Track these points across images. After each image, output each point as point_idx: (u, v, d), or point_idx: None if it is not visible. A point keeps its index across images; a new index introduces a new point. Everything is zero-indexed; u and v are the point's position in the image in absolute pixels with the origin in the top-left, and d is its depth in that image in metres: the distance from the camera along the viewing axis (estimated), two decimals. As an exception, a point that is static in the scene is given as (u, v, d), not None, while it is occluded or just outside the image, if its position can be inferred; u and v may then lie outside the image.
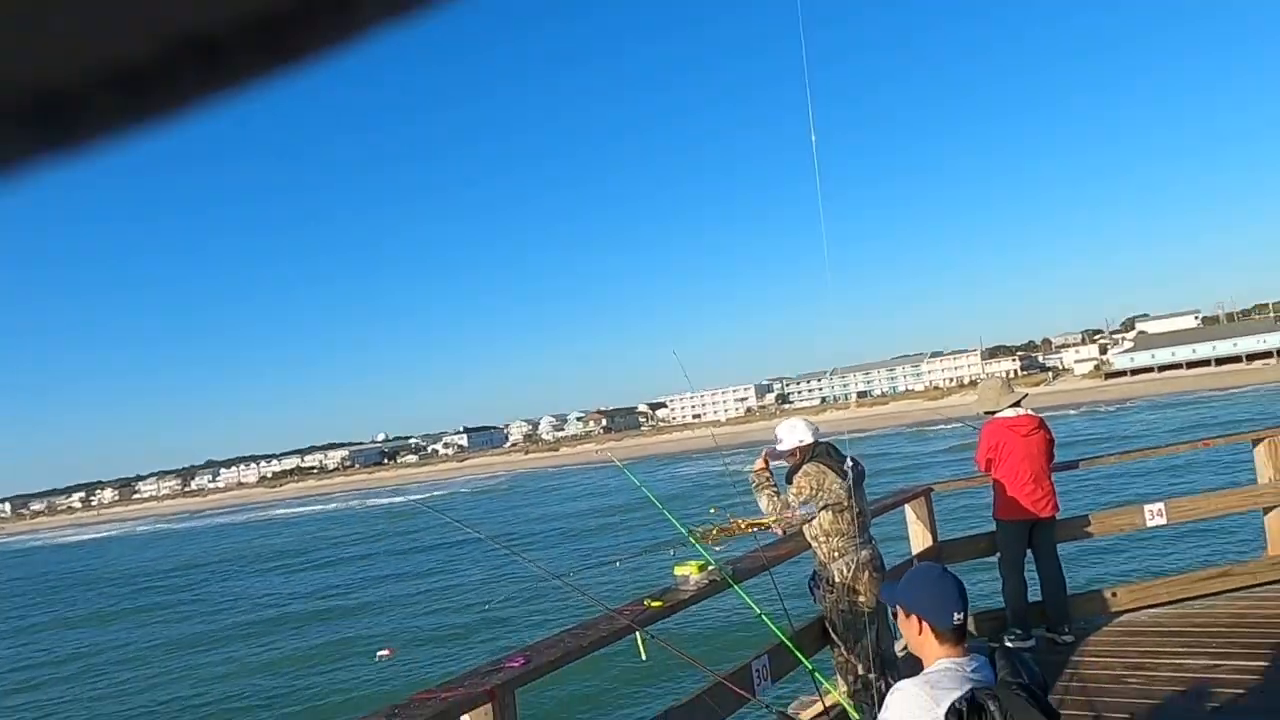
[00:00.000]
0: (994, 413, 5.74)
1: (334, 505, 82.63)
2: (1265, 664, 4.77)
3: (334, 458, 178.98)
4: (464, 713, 2.77)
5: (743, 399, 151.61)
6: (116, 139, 0.18)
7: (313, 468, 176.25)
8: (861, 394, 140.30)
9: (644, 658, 4.09)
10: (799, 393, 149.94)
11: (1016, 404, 5.75)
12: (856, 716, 4.29)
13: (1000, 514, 5.67)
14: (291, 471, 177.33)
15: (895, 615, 2.91)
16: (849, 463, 4.56)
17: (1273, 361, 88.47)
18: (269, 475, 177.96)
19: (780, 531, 4.62)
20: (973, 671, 2.62)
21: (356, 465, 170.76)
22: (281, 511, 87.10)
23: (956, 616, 2.64)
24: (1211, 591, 5.98)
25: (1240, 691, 4.50)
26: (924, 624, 2.68)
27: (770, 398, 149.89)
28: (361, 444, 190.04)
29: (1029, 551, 5.70)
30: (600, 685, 12.18)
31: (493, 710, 2.80)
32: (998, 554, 5.78)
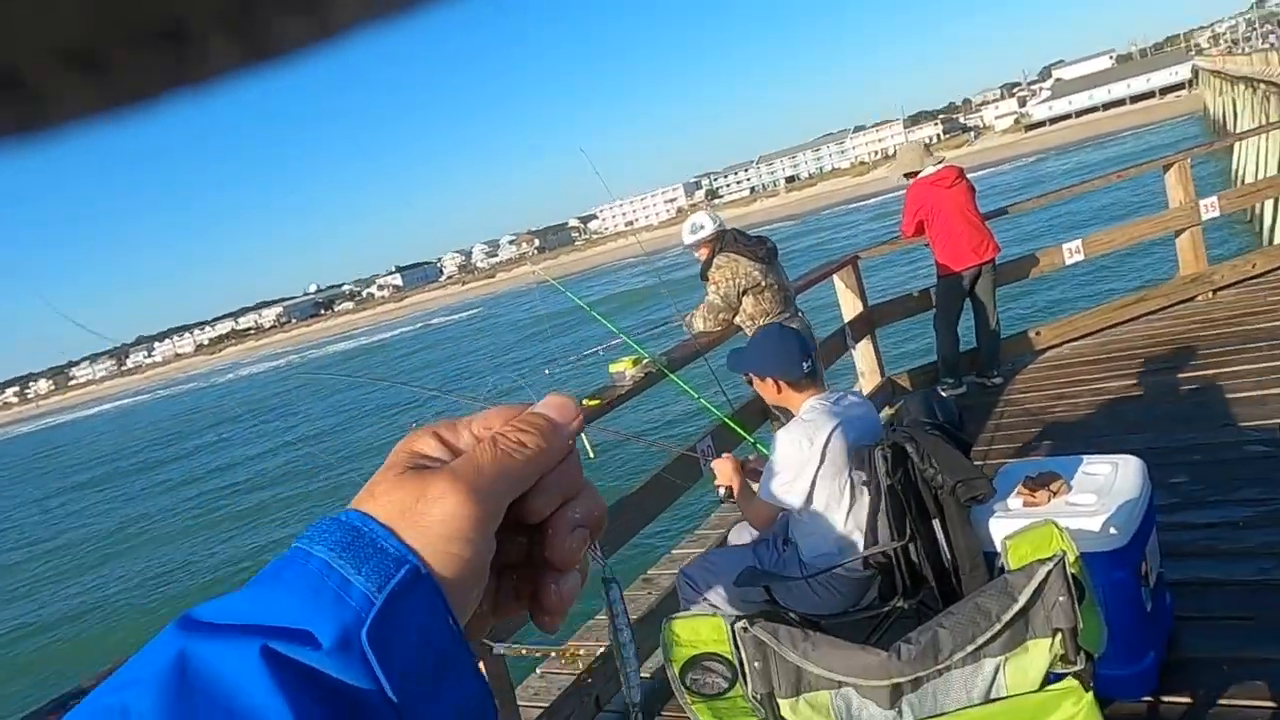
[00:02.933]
0: (915, 174, 5.71)
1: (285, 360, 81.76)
2: (1177, 376, 5.04)
3: (268, 315, 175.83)
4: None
5: (672, 199, 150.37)
6: (80, 124, 0.18)
7: (249, 329, 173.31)
8: (790, 179, 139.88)
9: (591, 456, 4.17)
10: (728, 185, 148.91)
11: (940, 163, 5.72)
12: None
13: (947, 268, 5.70)
14: (228, 335, 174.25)
15: (750, 383, 3.02)
16: (759, 242, 4.56)
17: (1184, 93, 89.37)
18: (205, 343, 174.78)
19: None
20: (836, 404, 2.81)
21: (293, 320, 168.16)
22: (246, 371, 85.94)
23: (805, 364, 2.83)
24: (1129, 318, 6.23)
25: (1154, 403, 4.78)
26: (778, 382, 2.86)
27: (700, 194, 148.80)
28: (294, 298, 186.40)
29: (967, 302, 5.82)
30: None
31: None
32: (933, 311, 5.90)
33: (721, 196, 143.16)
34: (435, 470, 0.42)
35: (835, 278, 5.89)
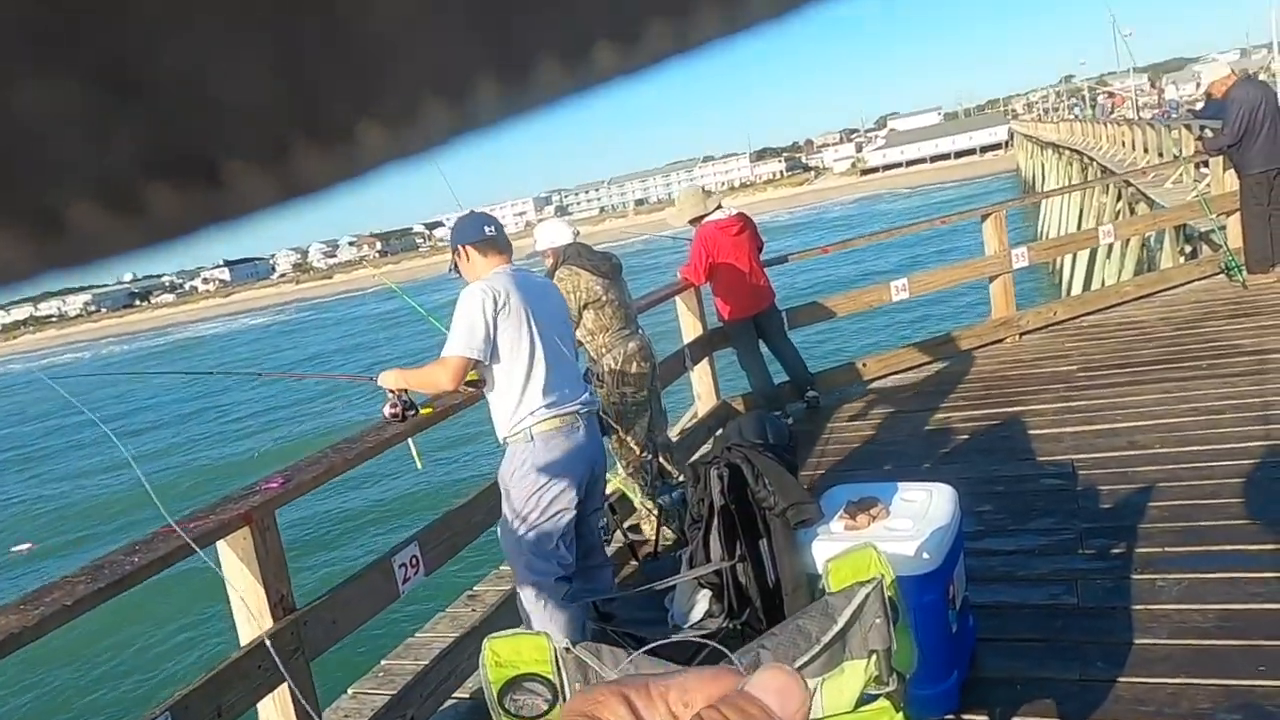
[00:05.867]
0: (701, 219, 5.75)
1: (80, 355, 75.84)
2: (986, 411, 5.40)
3: (74, 303, 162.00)
4: (218, 539, 2.59)
5: (522, 213, 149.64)
6: (112, 260, 0.19)
7: (50, 316, 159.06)
8: (639, 201, 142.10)
9: (420, 467, 4.01)
10: (578, 203, 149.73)
11: (719, 207, 5.78)
12: (633, 495, 4.49)
13: (729, 316, 5.82)
14: (25, 321, 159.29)
15: (455, 266, 3.22)
16: (604, 258, 4.57)
17: (1001, 152, 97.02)
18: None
19: None
20: (515, 271, 3.11)
21: (103, 310, 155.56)
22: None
23: (487, 229, 3.12)
24: (945, 355, 6.63)
25: (966, 436, 5.09)
26: (467, 249, 3.11)
27: (549, 210, 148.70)
28: (104, 285, 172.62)
29: (760, 341, 6.00)
30: (373, 499, 12.19)
31: (251, 534, 2.63)
32: (735, 352, 6.03)
33: (571, 213, 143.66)
34: None
35: (678, 299, 5.96)
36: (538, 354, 2.99)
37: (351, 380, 4.49)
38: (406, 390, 3.23)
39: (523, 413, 3.00)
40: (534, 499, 3.00)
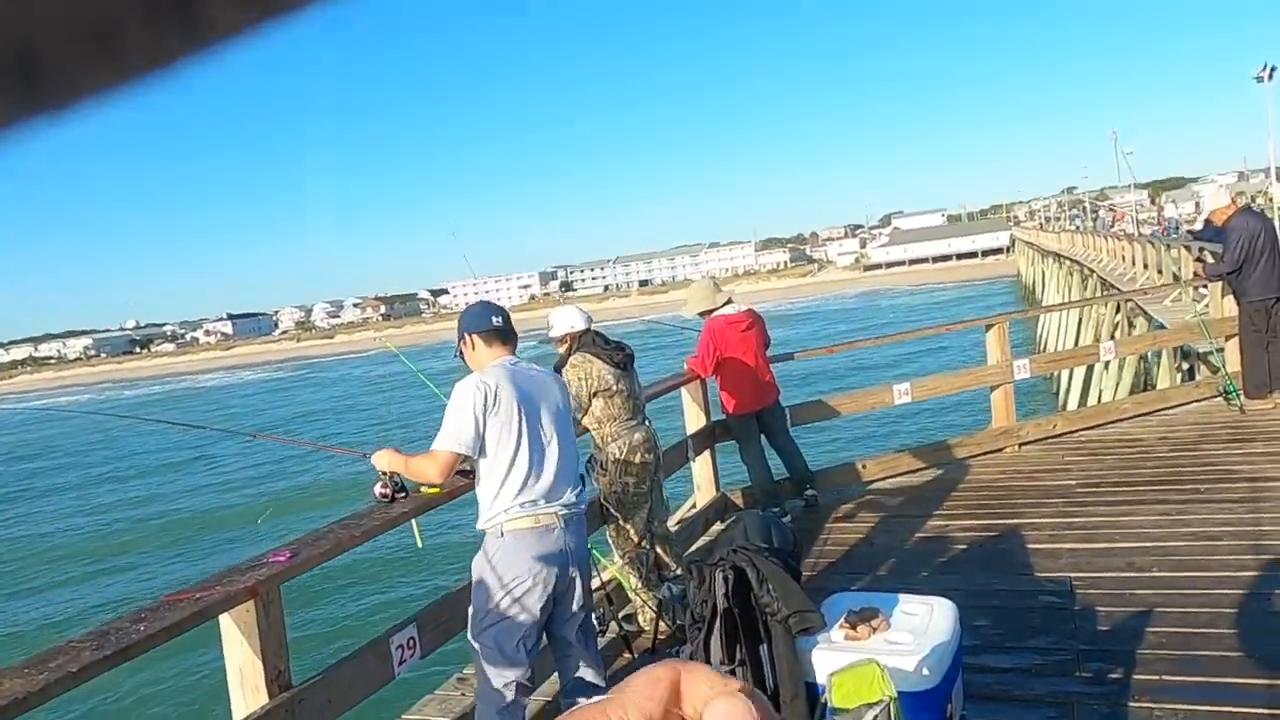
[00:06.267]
0: (710, 312, 5.84)
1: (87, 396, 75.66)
2: (985, 521, 5.41)
3: (75, 346, 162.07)
4: (223, 611, 2.59)
5: (526, 286, 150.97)
6: (91, 100, 0.18)
7: (49, 358, 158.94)
8: (643, 283, 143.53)
9: (420, 545, 4.02)
10: (583, 280, 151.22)
11: (729, 301, 5.88)
12: (628, 584, 4.48)
13: (733, 410, 5.88)
14: (23, 361, 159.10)
15: (460, 352, 3.26)
16: (618, 348, 4.64)
17: (1002, 257, 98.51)
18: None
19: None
20: (514, 364, 3.14)
21: (102, 355, 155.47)
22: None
23: (494, 320, 3.16)
24: (945, 460, 6.67)
25: (964, 546, 5.09)
26: (472, 338, 3.17)
27: (554, 285, 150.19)
28: (108, 331, 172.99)
29: (763, 436, 6.05)
30: (373, 576, 12.05)
31: (255, 608, 2.64)
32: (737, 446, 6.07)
33: (575, 290, 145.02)
34: None
35: (683, 390, 6.04)
36: (522, 451, 3.01)
37: (346, 454, 4.51)
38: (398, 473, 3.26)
39: (498, 507, 3.02)
40: (497, 596, 2.96)
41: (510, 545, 2.98)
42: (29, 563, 17.52)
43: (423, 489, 3.66)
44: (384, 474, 3.24)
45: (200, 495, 22.77)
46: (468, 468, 3.12)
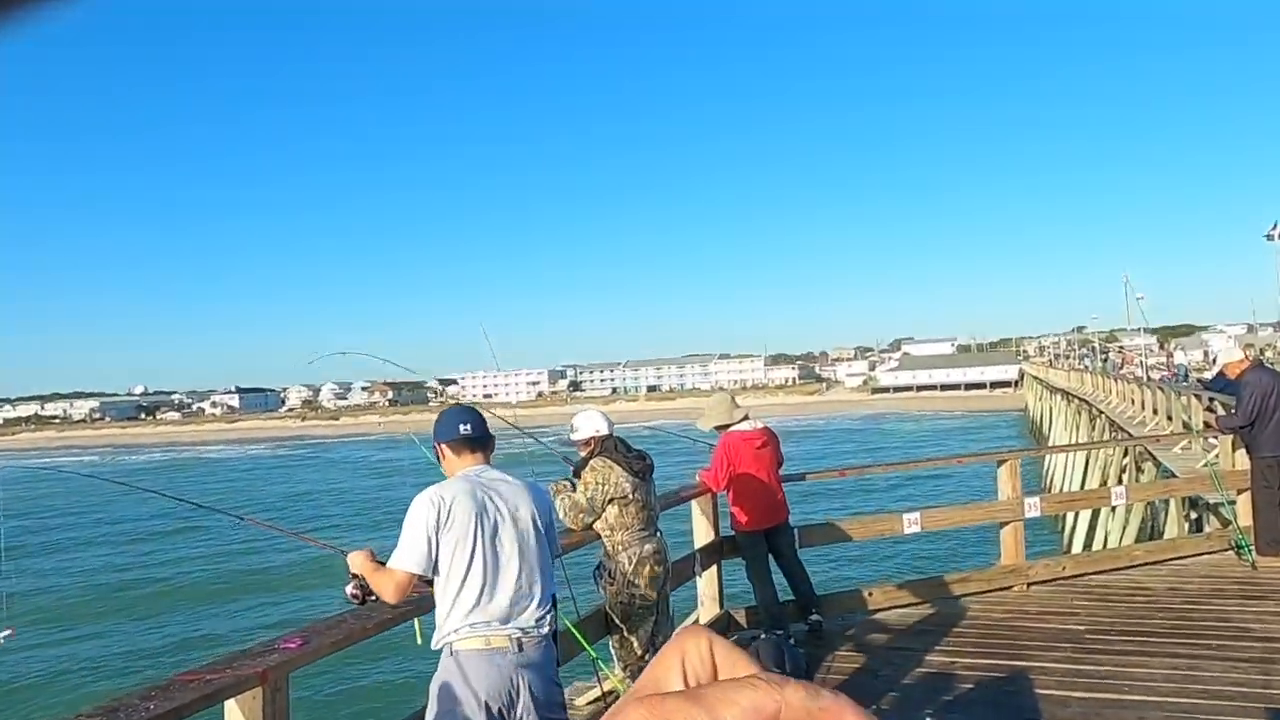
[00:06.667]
0: (726, 427, 5.88)
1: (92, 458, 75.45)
2: (991, 661, 5.32)
3: (81, 408, 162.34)
4: (231, 696, 2.58)
5: (535, 382, 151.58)
6: None
7: (54, 417, 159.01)
8: (652, 388, 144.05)
9: (420, 642, 3.99)
10: (591, 381, 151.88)
11: (745, 418, 5.93)
12: (632, 702, 4.37)
13: (742, 526, 5.86)
14: (28, 419, 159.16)
15: (441, 459, 3.18)
16: (639, 457, 4.67)
17: (1010, 390, 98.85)
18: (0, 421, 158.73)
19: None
20: (479, 474, 3.03)
21: (108, 418, 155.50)
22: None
23: (462, 428, 3.08)
24: (952, 595, 6.59)
25: (970, 686, 4.99)
26: (442, 446, 3.11)
27: (563, 384, 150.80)
28: (115, 395, 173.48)
29: (770, 556, 6.01)
30: (374, 668, 11.82)
31: (263, 695, 2.62)
32: (744, 563, 6.03)
33: (584, 390, 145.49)
34: None
35: (694, 503, 6.04)
36: (475, 569, 2.89)
37: (324, 547, 4.46)
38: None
39: (449, 626, 2.91)
40: (444, 717, 2.85)
41: (456, 666, 2.86)
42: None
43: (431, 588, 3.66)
44: (354, 575, 3.16)
45: (183, 565, 22.87)
46: (428, 577, 3.00)
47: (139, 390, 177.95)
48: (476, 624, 2.88)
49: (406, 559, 2.88)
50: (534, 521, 3.06)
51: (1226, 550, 7.44)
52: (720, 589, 6.11)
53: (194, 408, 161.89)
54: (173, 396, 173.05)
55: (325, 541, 4.49)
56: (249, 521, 4.94)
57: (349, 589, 3.19)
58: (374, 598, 3.20)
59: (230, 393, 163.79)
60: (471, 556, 2.89)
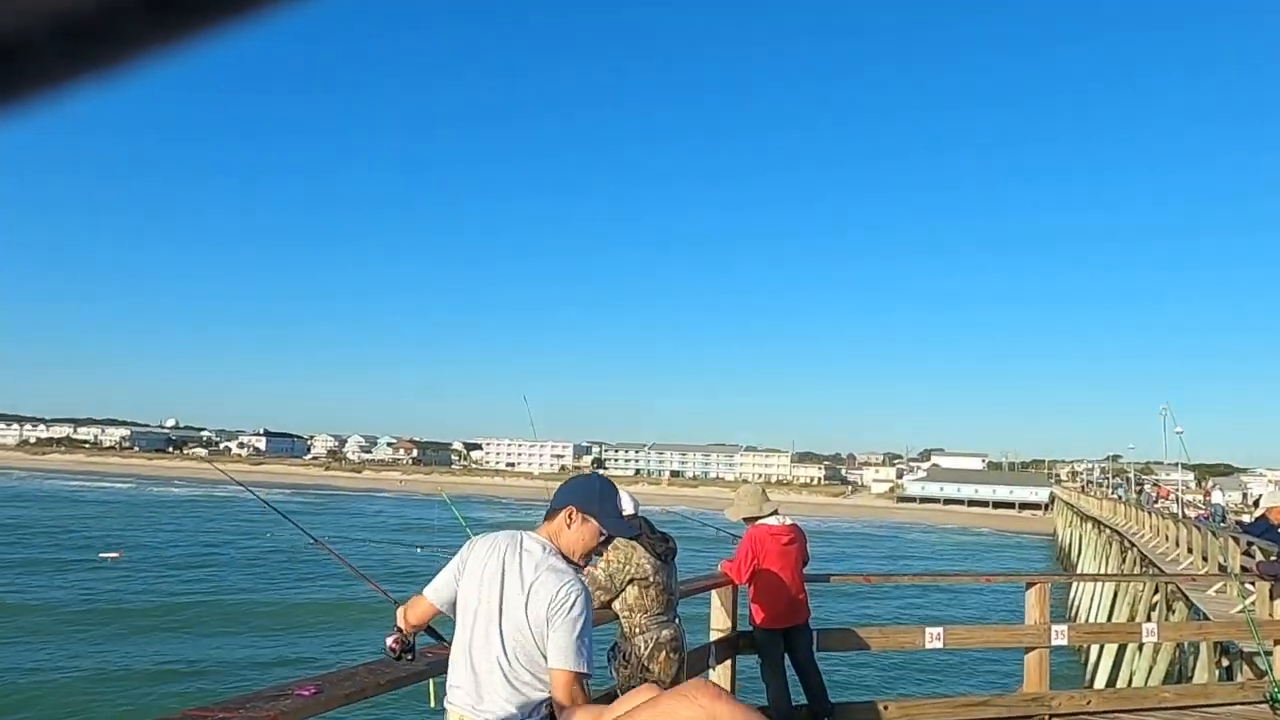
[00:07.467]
0: (754, 519, 5.81)
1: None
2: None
3: (112, 435, 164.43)
4: (241, 738, 2.56)
5: (559, 455, 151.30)
6: (64, 90, 0.18)
7: (85, 441, 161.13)
8: (675, 473, 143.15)
9: (432, 705, 3.93)
10: (615, 460, 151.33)
11: (774, 512, 5.85)
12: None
13: (761, 623, 5.76)
14: (60, 440, 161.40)
15: (570, 522, 3.02)
16: (662, 539, 4.63)
17: (1039, 513, 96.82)
18: (32, 440, 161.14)
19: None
20: (515, 537, 2.96)
21: (137, 448, 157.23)
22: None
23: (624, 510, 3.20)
24: (970, 718, 6.37)
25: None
26: (585, 517, 3.01)
27: (587, 459, 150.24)
28: (147, 426, 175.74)
29: (786, 655, 5.87)
30: (384, 702, 11.65)
31: (272, 740, 2.60)
32: (759, 660, 5.89)
33: (607, 468, 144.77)
34: None
35: (714, 593, 5.96)
36: (462, 630, 2.88)
37: (378, 591, 4.48)
38: (416, 631, 3.15)
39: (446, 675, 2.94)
40: None
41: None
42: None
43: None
44: (399, 628, 3.13)
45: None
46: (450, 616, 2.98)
47: (170, 423, 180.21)
48: (453, 687, 2.89)
49: (431, 588, 2.97)
50: (538, 616, 2.80)
51: (1261, 703, 7.14)
52: (734, 685, 5.96)
53: (221, 446, 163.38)
54: (202, 433, 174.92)
55: (381, 586, 4.45)
56: (320, 546, 4.84)
57: (390, 640, 3.13)
58: (411, 655, 3.16)
59: (258, 434, 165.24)
60: (475, 616, 2.85)
